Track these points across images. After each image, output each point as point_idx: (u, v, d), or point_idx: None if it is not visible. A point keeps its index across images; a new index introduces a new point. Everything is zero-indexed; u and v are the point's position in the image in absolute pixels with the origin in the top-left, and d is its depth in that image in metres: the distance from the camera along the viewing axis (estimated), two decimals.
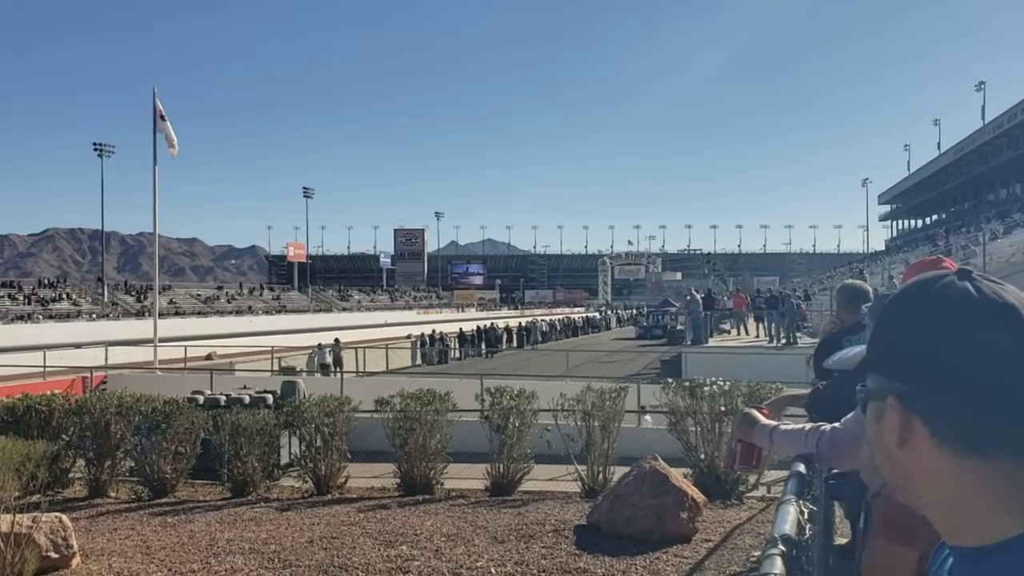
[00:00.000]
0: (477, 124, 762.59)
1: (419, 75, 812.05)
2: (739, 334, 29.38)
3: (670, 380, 11.00)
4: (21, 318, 61.86)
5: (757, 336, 28.06)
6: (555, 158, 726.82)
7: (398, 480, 10.29)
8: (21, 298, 68.49)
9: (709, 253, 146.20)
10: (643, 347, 41.67)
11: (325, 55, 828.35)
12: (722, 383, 9.85)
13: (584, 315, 74.44)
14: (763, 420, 2.69)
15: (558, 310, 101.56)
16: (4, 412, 10.95)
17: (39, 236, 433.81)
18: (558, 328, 55.01)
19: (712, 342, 26.00)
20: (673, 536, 7.53)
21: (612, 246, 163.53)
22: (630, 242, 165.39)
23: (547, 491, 10.12)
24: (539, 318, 60.07)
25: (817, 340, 6.33)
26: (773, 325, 25.82)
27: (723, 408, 9.62)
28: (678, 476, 8.28)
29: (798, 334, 24.61)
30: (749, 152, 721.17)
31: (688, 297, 26.58)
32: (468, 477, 10.68)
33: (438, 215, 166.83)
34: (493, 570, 6.80)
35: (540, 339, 48.85)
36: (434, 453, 10.22)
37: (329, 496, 10.17)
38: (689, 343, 26.02)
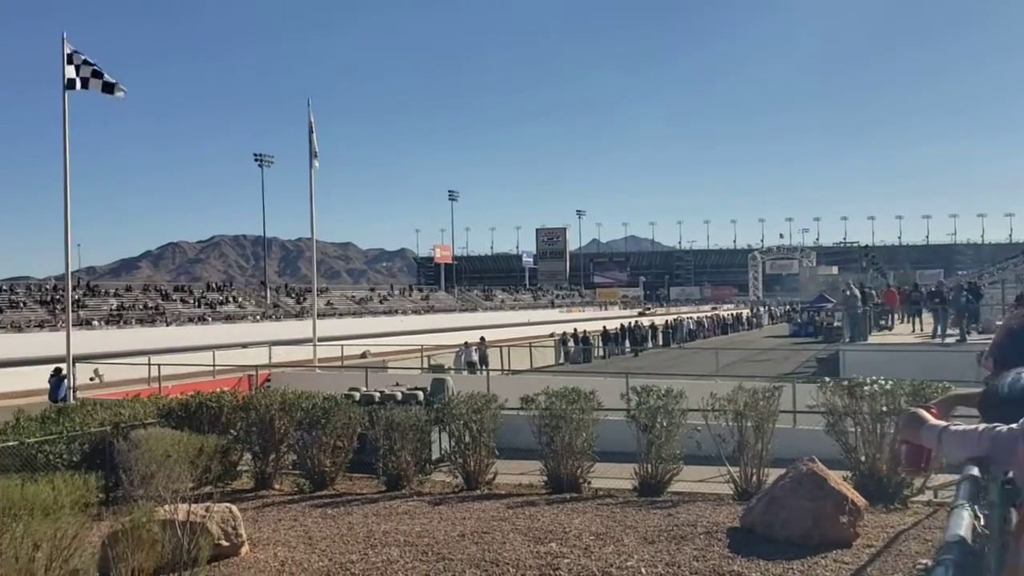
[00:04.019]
0: (619, 122, 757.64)
1: (559, 76, 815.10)
2: (913, 328, 27.76)
3: (827, 379, 10.55)
4: (192, 320, 66.48)
5: (919, 332, 26.48)
6: (700, 151, 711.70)
7: (545, 478, 10.34)
8: (192, 301, 73.61)
9: (867, 246, 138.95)
10: (797, 345, 40.21)
11: (468, 61, 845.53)
12: (883, 382, 9.36)
13: (734, 312, 72.55)
14: (932, 420, 2.52)
15: (706, 307, 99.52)
16: (179, 408, 11.75)
17: (206, 243, 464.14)
18: (706, 326, 53.85)
19: (872, 339, 24.73)
20: (832, 541, 7.21)
21: (762, 240, 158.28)
22: (781, 235, 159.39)
23: (697, 492, 9.91)
24: (686, 316, 59.03)
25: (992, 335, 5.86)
26: (941, 321, 24.25)
27: (885, 408, 9.15)
28: (837, 478, 7.92)
29: (973, 326, 23.10)
30: (906, 135, 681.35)
31: (847, 292, 25.36)
32: (615, 476, 10.60)
33: (580, 213, 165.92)
34: (644, 570, 6.72)
35: (687, 337, 47.96)
36: (580, 451, 10.20)
37: (478, 491, 10.35)
38: (847, 340, 24.86)
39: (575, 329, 40.12)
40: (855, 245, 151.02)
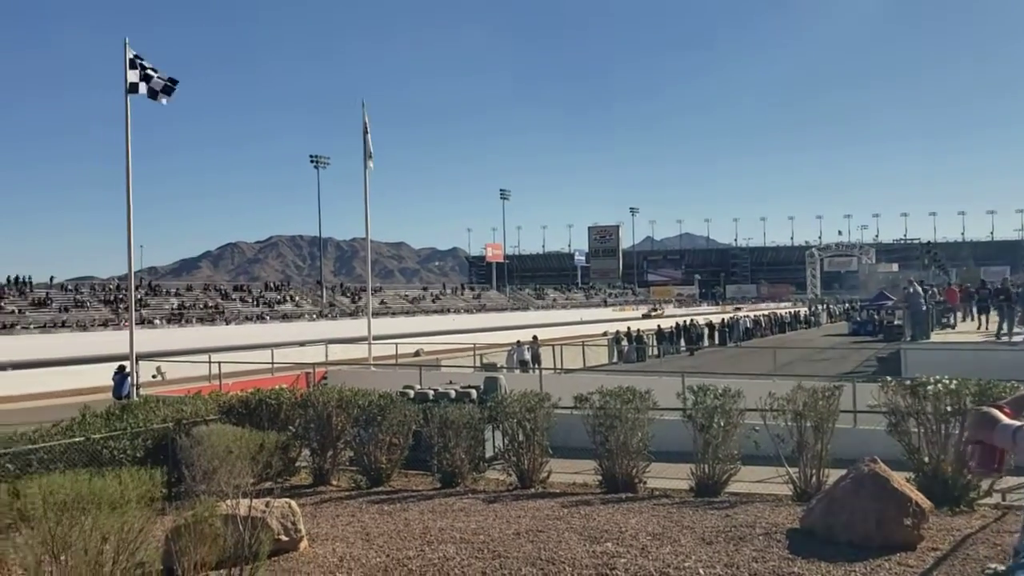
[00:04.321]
0: (669, 116, 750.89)
1: (609, 71, 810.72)
2: (978, 326, 26.99)
3: (889, 378, 10.31)
4: (251, 319, 67.75)
5: (984, 330, 25.72)
6: (755, 147, 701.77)
7: (599, 477, 10.29)
8: (250, 300, 75.05)
9: (928, 242, 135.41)
10: (857, 344, 39.40)
11: (518, 60, 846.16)
12: (947, 381, 9.11)
13: (791, 310, 71.36)
14: (1006, 419, 2.45)
15: (762, 305, 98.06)
16: (239, 405, 11.97)
17: (264, 243, 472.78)
18: (763, 324, 53.05)
19: (934, 338, 24.10)
20: (895, 543, 7.05)
21: (820, 237, 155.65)
22: (840, 232, 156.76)
23: (755, 493, 9.77)
24: (742, 314, 58.23)
25: None
26: (1007, 319, 23.52)
27: (949, 408, 8.92)
28: (900, 480, 7.73)
29: None
30: (969, 129, 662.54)
31: (909, 290, 24.76)
32: (671, 476, 10.52)
33: (633, 211, 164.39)
34: (702, 571, 6.64)
35: (744, 336, 47.31)
36: (635, 451, 10.13)
37: (532, 490, 10.34)
38: (909, 339, 24.27)
39: (628, 327, 39.87)
40: (916, 242, 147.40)
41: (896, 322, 37.16)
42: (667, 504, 9.33)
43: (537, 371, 23.62)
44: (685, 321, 44.63)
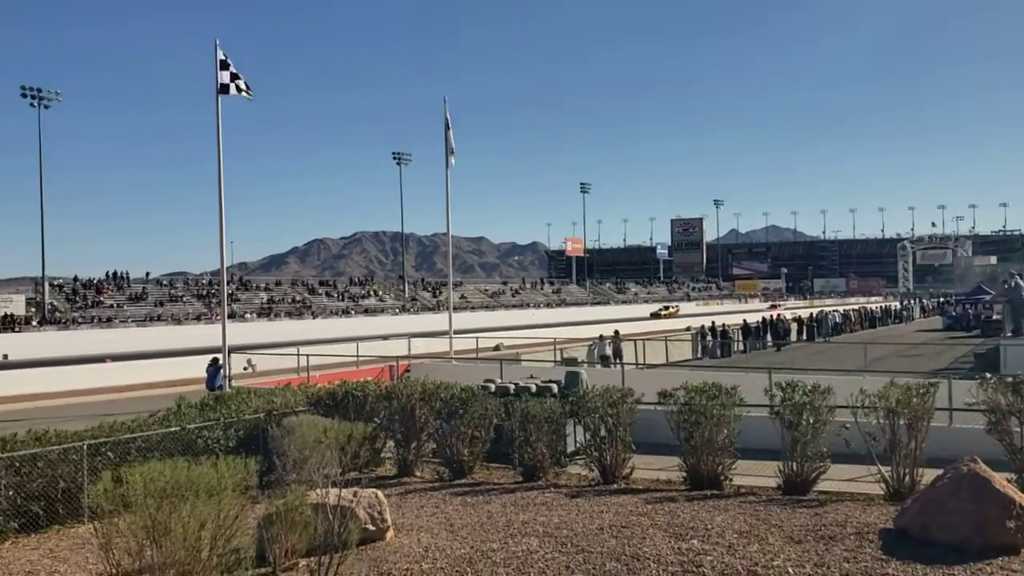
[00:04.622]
0: (753, 103, 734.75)
1: (693, 51, 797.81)
2: None
3: (988, 375, 9.88)
4: (336, 313, 69.22)
5: None
6: (845, 134, 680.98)
7: (684, 474, 10.16)
8: (335, 295, 76.72)
9: None
10: (952, 339, 37.86)
11: (600, 54, 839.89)
12: None
13: (882, 304, 69.05)
14: None
15: (852, 299, 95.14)
16: (326, 396, 12.28)
17: (348, 239, 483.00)
18: (852, 319, 51.43)
19: None
20: (997, 546, 6.75)
21: (913, 229, 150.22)
22: (934, 224, 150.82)
23: (845, 492, 9.50)
24: (831, 308, 56.62)
25: None
26: None
27: None
28: (1002, 480, 7.41)
29: None
30: None
31: (1010, 283, 23.68)
32: (757, 474, 10.32)
33: (717, 203, 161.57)
34: (791, 570, 6.49)
35: (832, 331, 45.96)
36: (721, 448, 9.98)
37: (615, 486, 10.29)
38: (1009, 334, 23.24)
39: (712, 322, 39.21)
40: (1016, 233, 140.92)
41: (995, 317, 35.62)
42: (754, 502, 9.15)
43: (619, 366, 23.44)
44: (771, 316, 43.65)
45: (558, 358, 24.27)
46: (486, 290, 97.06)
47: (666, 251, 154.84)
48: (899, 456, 9.20)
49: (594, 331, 32.14)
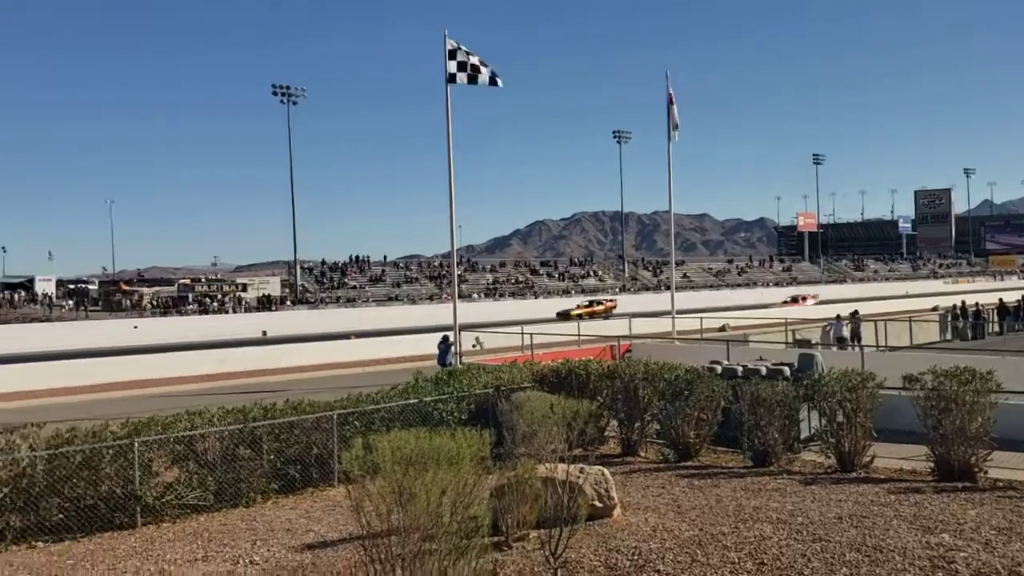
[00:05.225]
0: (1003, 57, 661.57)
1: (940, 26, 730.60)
2: None
3: None
4: (556, 293, 70.53)
5: None
6: None
7: (931, 464, 9.47)
8: (556, 275, 78.19)
9: None
10: None
11: (841, 15, 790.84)
12: None
13: None
14: None
15: None
16: (550, 374, 12.58)
17: (568, 220, 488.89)
18: None
19: None
20: None
21: None
22: None
23: None
24: None
25: None
26: None
27: None
28: None
29: None
30: None
31: None
32: (1017, 467, 9.43)
33: (968, 172, 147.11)
34: None
35: None
36: (974, 437, 9.18)
37: (854, 474, 9.75)
38: None
39: (963, 301, 35.96)
40: None
41: None
42: (1014, 497, 8.37)
43: (858, 348, 22.11)
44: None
45: (790, 339, 23.33)
46: (710, 268, 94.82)
47: (909, 225, 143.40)
48: None
49: (830, 311, 30.46)
